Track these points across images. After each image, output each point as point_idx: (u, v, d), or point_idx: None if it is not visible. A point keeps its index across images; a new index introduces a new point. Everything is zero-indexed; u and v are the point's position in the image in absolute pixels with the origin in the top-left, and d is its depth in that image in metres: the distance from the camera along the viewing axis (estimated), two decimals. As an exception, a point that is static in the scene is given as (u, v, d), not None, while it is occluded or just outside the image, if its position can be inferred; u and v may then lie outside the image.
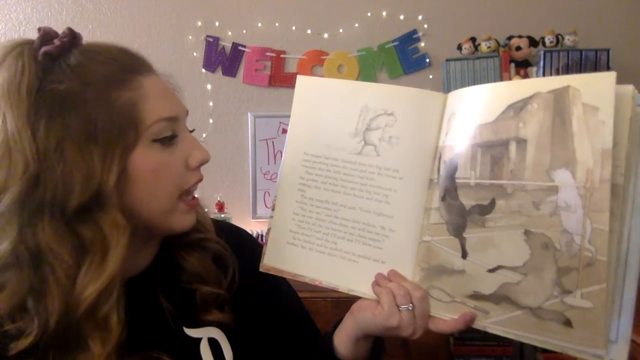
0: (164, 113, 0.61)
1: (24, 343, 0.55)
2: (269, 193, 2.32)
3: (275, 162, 2.31)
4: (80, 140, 0.56)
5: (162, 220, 0.63)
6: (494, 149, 0.60)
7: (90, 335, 0.57)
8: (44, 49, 0.58)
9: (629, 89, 0.53)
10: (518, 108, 0.59)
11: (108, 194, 0.57)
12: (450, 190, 0.63)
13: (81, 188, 0.56)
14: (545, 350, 1.97)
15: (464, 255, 0.62)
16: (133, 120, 0.58)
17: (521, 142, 0.58)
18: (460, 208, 0.62)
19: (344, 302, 0.71)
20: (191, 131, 0.67)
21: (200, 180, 0.66)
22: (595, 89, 0.54)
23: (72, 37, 0.60)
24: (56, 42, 0.59)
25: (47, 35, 0.59)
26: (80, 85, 0.57)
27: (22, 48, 0.57)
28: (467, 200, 0.62)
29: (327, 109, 0.72)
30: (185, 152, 0.63)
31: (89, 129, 0.56)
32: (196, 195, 0.68)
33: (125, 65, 0.60)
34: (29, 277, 0.56)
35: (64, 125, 0.55)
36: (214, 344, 0.68)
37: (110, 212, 0.57)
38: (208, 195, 2.22)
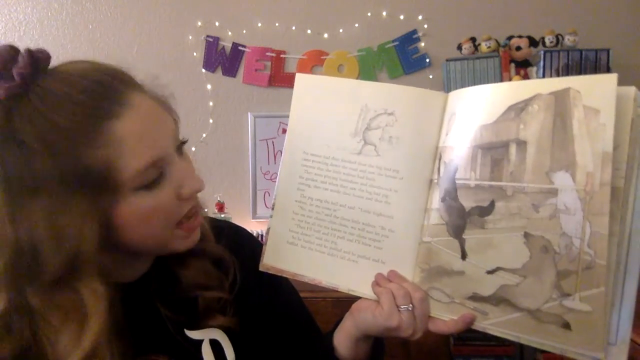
0: (146, 159, 0.54)
1: None
2: (269, 193, 2.31)
3: (275, 162, 2.31)
4: (51, 209, 0.52)
5: (161, 249, 0.63)
6: (494, 151, 0.60)
7: None
8: (2, 89, 0.52)
9: (631, 90, 0.52)
10: (519, 109, 0.58)
11: (85, 261, 0.54)
12: (450, 191, 0.63)
13: (54, 259, 0.53)
14: (545, 351, 1.97)
15: (464, 256, 0.62)
16: (109, 181, 0.53)
17: (521, 144, 0.58)
18: (460, 209, 0.62)
19: (344, 302, 0.71)
20: (184, 142, 0.63)
21: (196, 207, 0.63)
22: (597, 91, 0.53)
23: (33, 64, 0.53)
24: (15, 77, 0.52)
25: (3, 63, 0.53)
26: (42, 144, 0.51)
27: None
28: (467, 202, 0.62)
29: (326, 108, 0.71)
30: (176, 184, 0.59)
31: (58, 197, 0.52)
32: (198, 207, 0.65)
33: (91, 111, 0.53)
34: (23, 339, 0.55)
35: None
36: (215, 345, 0.68)
37: (87, 280, 0.54)
38: (208, 195, 2.22)
